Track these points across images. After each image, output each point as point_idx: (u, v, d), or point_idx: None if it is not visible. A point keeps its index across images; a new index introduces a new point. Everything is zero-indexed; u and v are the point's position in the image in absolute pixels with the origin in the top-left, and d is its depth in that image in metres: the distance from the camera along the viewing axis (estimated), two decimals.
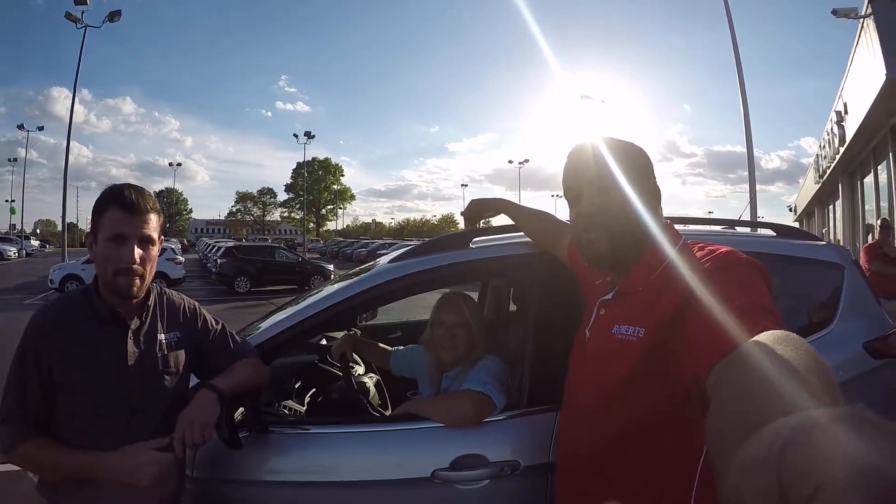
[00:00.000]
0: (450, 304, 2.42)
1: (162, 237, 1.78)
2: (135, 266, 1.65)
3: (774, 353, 0.81)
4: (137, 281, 1.68)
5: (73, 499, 1.68)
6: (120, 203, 1.65)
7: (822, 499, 0.35)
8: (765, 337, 0.88)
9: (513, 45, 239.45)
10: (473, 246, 2.32)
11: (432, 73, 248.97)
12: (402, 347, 2.95)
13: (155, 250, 1.74)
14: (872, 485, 0.34)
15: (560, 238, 1.98)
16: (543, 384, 2.01)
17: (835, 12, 14.89)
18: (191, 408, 1.70)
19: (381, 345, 3.03)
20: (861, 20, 12.42)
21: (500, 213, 2.38)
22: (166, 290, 1.92)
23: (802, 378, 0.70)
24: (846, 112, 14.74)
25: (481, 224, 2.46)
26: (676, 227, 1.51)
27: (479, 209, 2.41)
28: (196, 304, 1.99)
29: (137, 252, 1.66)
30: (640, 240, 1.41)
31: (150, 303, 1.80)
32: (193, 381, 1.91)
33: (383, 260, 2.59)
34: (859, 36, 12.70)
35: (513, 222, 2.30)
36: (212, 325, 1.98)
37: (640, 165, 1.45)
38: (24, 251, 50.06)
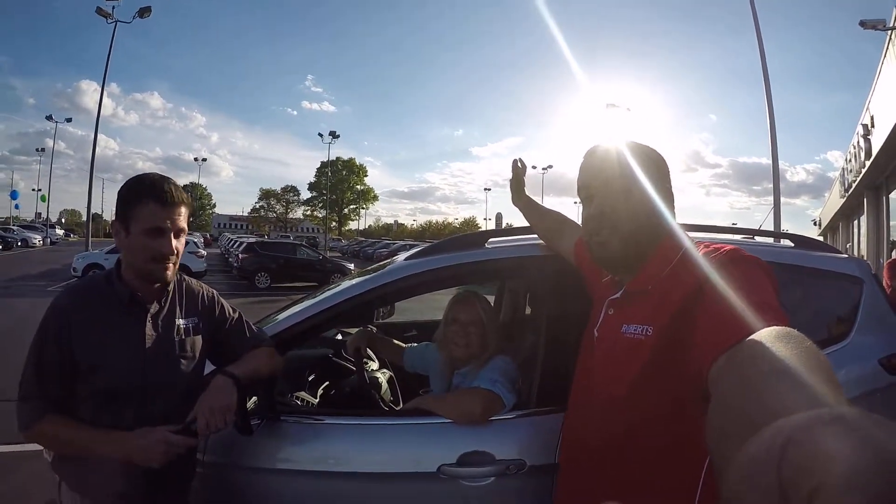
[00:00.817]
0: (464, 303, 2.44)
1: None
2: (171, 256, 1.72)
3: (776, 348, 0.80)
4: (171, 267, 1.74)
5: (85, 476, 1.71)
6: (157, 197, 1.69)
7: (823, 497, 0.35)
8: (766, 333, 0.88)
9: (540, 52, 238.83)
10: (489, 246, 2.33)
11: (458, 78, 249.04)
12: (415, 344, 2.96)
13: (184, 239, 1.79)
14: (873, 482, 0.34)
15: (566, 234, 2.00)
16: (554, 384, 2.01)
17: (862, 24, 14.71)
18: (210, 394, 1.72)
19: (396, 341, 3.05)
20: (889, 31, 12.27)
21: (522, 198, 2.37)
22: (186, 277, 1.95)
23: (803, 375, 0.70)
24: (873, 125, 14.54)
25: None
26: (696, 234, 1.50)
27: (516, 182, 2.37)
28: (214, 292, 2.02)
29: (174, 243, 1.72)
30: (651, 240, 1.42)
31: (169, 288, 1.84)
32: (209, 367, 1.93)
33: (401, 257, 2.61)
34: (887, 48, 12.55)
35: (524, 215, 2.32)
36: (229, 312, 2.01)
37: (657, 168, 1.46)
38: (49, 240, 50.66)
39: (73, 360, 1.65)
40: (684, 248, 1.38)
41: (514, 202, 2.36)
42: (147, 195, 1.68)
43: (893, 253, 10.21)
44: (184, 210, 1.75)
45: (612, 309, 1.52)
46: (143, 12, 29.34)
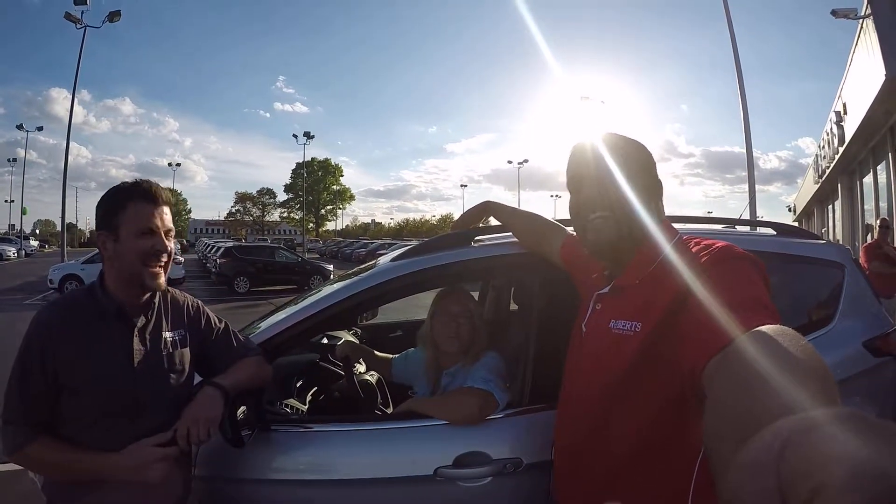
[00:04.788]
0: (453, 296, 2.43)
1: None
2: (165, 255, 1.71)
3: (771, 347, 0.81)
4: (162, 273, 1.73)
5: (77, 499, 1.67)
6: (145, 196, 1.68)
7: (822, 499, 0.35)
8: (761, 331, 0.88)
9: (512, 46, 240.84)
10: (475, 245, 2.32)
11: (430, 74, 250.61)
12: (397, 356, 2.95)
13: (173, 239, 1.77)
14: (871, 485, 0.34)
15: (549, 237, 1.99)
16: (545, 382, 2.00)
17: (834, 13, 14.89)
18: (195, 405, 1.70)
19: (381, 354, 3.03)
20: (860, 20, 12.41)
21: (488, 216, 2.40)
22: (170, 289, 1.92)
23: (799, 374, 0.70)
24: (845, 112, 14.74)
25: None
26: (678, 225, 1.50)
27: (467, 220, 2.45)
28: (199, 302, 1.99)
29: (167, 243, 1.71)
30: (641, 231, 1.41)
31: (155, 300, 1.80)
32: (196, 379, 1.90)
33: (385, 258, 2.60)
34: (858, 36, 12.70)
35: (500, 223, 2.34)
36: (215, 323, 1.98)
37: (635, 161, 1.44)
38: (24, 251, 49.88)
39: (58, 379, 1.60)
40: (673, 243, 1.38)
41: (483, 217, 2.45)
42: (134, 196, 1.66)
43: (869, 237, 10.36)
44: (168, 210, 1.74)
45: (599, 304, 1.51)
46: (113, 16, 28.99)
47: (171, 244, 1.73)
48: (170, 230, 1.73)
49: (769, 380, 0.70)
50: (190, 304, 1.94)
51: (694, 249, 1.31)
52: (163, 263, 1.72)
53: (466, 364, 2.29)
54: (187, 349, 1.84)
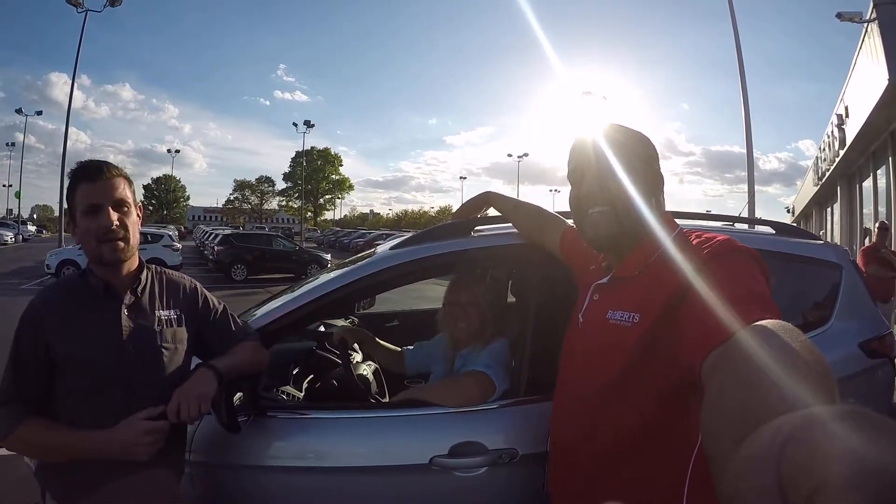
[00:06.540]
0: (462, 285, 2.47)
1: (139, 205, 1.79)
2: (114, 228, 1.66)
3: (771, 342, 0.80)
4: (121, 244, 1.68)
5: (71, 484, 1.67)
6: (86, 176, 1.67)
7: (822, 497, 0.35)
8: (761, 326, 0.88)
9: (513, 40, 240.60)
10: (475, 234, 2.32)
11: (431, 66, 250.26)
12: (411, 347, 2.95)
13: (133, 214, 1.73)
14: (872, 483, 0.34)
15: (549, 229, 1.99)
16: (542, 373, 1.99)
17: (839, 16, 14.79)
18: (188, 382, 1.70)
19: (390, 345, 3.03)
20: (865, 24, 12.37)
21: (488, 206, 2.41)
22: (167, 270, 1.92)
23: (800, 370, 0.70)
24: (847, 115, 14.71)
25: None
26: (681, 222, 1.50)
27: (467, 211, 2.47)
28: (197, 283, 1.98)
29: (114, 215, 1.66)
30: (637, 229, 1.40)
31: (142, 276, 1.80)
32: (194, 363, 1.89)
33: (384, 246, 2.59)
34: (863, 40, 12.65)
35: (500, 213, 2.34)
36: (213, 305, 1.97)
37: (636, 155, 1.43)
38: (21, 236, 49.59)
39: (49, 356, 1.62)
40: (674, 235, 1.37)
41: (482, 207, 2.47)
42: (78, 178, 1.67)
43: (867, 240, 10.36)
44: (119, 182, 1.70)
45: (597, 294, 1.50)
46: (115, 1, 28.77)
47: (128, 217, 1.70)
48: (121, 201, 1.69)
49: (769, 374, 0.70)
50: (188, 285, 1.94)
51: (694, 242, 1.31)
52: (119, 237, 1.68)
53: (478, 347, 2.32)
54: (183, 328, 1.84)
